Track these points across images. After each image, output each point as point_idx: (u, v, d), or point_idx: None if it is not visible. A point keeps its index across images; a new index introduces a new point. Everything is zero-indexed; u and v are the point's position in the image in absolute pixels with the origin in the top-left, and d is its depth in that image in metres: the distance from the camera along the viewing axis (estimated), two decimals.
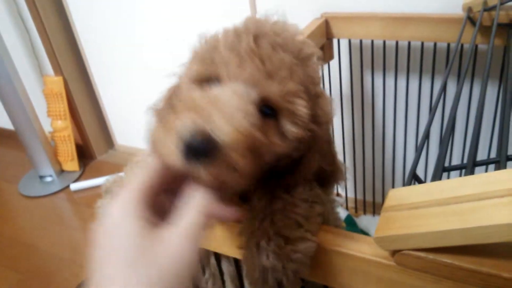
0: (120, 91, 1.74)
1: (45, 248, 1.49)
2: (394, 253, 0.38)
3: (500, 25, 0.82)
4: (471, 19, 0.87)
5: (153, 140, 0.37)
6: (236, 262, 0.52)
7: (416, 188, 0.39)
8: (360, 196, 1.35)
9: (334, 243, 0.41)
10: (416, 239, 0.35)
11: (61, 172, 1.87)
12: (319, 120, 0.44)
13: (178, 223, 0.34)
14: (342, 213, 1.24)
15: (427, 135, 0.48)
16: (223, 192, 0.36)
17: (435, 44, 0.98)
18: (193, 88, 0.42)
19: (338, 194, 1.37)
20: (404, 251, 0.37)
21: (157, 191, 0.37)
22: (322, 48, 1.05)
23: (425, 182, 0.41)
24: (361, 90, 1.15)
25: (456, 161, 1.12)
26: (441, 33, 0.94)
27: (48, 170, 1.82)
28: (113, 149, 2.00)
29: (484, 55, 0.95)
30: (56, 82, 1.77)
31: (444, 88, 0.58)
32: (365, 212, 1.36)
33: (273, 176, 0.45)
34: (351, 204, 1.38)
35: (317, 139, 0.44)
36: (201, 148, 0.34)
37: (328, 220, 0.49)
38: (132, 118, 1.78)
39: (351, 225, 1.23)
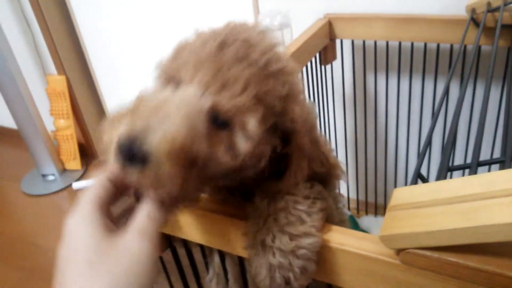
0: (123, 91, 1.74)
1: (47, 247, 1.49)
2: (399, 251, 0.38)
3: (504, 26, 0.83)
4: (474, 20, 0.87)
5: (102, 141, 0.38)
6: (241, 261, 0.53)
7: (421, 187, 0.39)
8: (362, 197, 1.35)
9: (338, 242, 0.42)
10: (421, 237, 0.35)
11: (63, 171, 1.87)
12: (296, 129, 0.43)
13: (131, 223, 0.37)
14: (345, 211, 1.24)
15: (429, 142, 0.49)
16: (165, 198, 0.37)
17: (438, 45, 0.98)
18: (153, 88, 0.42)
19: (340, 194, 1.37)
20: (409, 250, 0.37)
21: (108, 201, 0.39)
22: (325, 48, 1.05)
23: (428, 181, 0.42)
24: (363, 91, 1.15)
25: (458, 161, 1.13)
26: (444, 34, 0.94)
27: (50, 169, 1.83)
28: None
29: (487, 56, 0.95)
30: (59, 81, 1.78)
31: (446, 93, 0.59)
32: (367, 213, 1.36)
33: (271, 177, 0.46)
34: (353, 205, 1.38)
35: (299, 146, 0.44)
36: (131, 154, 0.34)
37: (332, 216, 0.49)
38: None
39: (353, 225, 1.23)
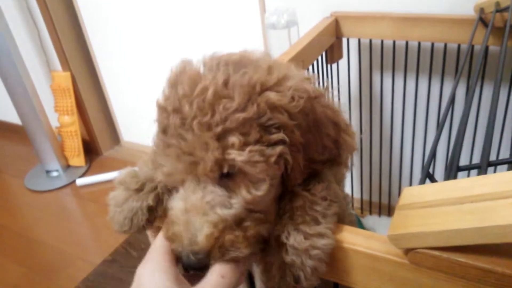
0: (127, 88, 1.74)
1: (50, 243, 1.49)
2: (407, 251, 0.38)
3: None
4: (483, 20, 0.87)
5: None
6: None
7: (430, 186, 0.38)
8: (366, 197, 1.34)
9: (347, 241, 0.41)
10: (430, 237, 0.35)
11: (67, 167, 1.88)
12: (283, 124, 0.41)
13: (203, 282, 0.39)
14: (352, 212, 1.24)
15: (437, 142, 0.48)
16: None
17: (445, 45, 0.98)
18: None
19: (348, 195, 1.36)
20: (418, 250, 0.37)
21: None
22: (331, 47, 1.05)
23: (436, 181, 0.41)
24: (369, 90, 1.14)
25: (464, 161, 1.12)
26: (451, 34, 0.93)
27: (54, 165, 1.83)
28: (119, 145, 2.00)
29: (495, 57, 0.95)
30: (63, 78, 1.78)
31: (453, 96, 0.58)
32: (371, 213, 1.36)
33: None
34: (357, 205, 1.38)
35: (289, 140, 0.42)
36: (196, 266, 0.40)
37: (343, 217, 0.49)
38: (138, 115, 1.79)
39: (358, 225, 1.22)
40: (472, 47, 0.95)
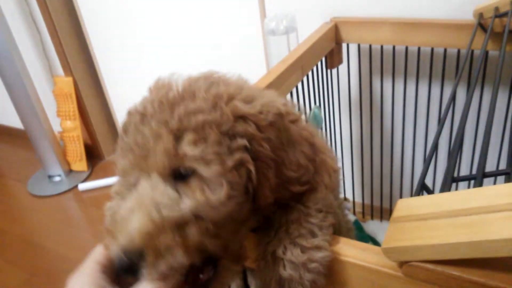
0: (129, 93, 1.75)
1: (52, 247, 1.50)
2: (402, 264, 0.37)
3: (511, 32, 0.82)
4: (482, 25, 0.87)
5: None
6: (244, 273, 0.52)
7: (425, 198, 0.38)
8: (367, 201, 1.34)
9: (342, 253, 0.41)
10: (424, 251, 0.35)
11: (69, 172, 1.88)
12: (253, 136, 0.41)
13: None
14: (350, 218, 1.24)
15: (435, 147, 0.48)
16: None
17: (445, 50, 0.97)
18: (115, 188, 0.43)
19: (345, 199, 1.36)
20: (412, 263, 0.36)
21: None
22: (331, 52, 1.05)
23: (433, 191, 0.41)
24: (369, 95, 1.14)
25: (465, 171, 1.12)
26: (451, 39, 0.93)
27: (56, 170, 1.84)
28: None
29: (494, 61, 0.94)
30: (66, 83, 1.79)
31: (453, 99, 0.58)
32: (372, 217, 1.35)
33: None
34: (358, 209, 1.37)
35: (258, 154, 0.41)
36: (126, 266, 0.36)
37: (340, 226, 0.48)
38: None
39: (358, 230, 1.22)
40: (472, 52, 0.95)
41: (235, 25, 1.29)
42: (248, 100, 0.41)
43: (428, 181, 1.17)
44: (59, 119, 1.85)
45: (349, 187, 1.33)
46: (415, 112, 1.09)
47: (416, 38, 0.97)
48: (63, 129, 1.86)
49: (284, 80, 0.81)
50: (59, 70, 1.81)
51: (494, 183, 1.01)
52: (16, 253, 1.50)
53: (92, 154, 1.96)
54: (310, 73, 0.97)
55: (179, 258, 0.36)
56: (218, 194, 0.38)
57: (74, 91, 1.80)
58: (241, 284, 0.55)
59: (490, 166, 1.06)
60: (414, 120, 1.11)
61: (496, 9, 0.83)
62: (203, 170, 0.38)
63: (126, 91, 1.76)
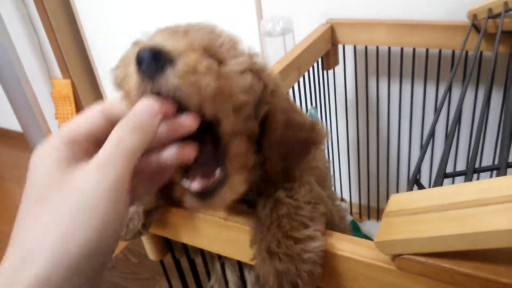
0: None
1: None
2: (394, 257, 0.38)
3: (504, 33, 0.83)
4: (475, 27, 0.88)
5: (115, 77, 0.41)
6: (241, 269, 0.53)
7: (416, 194, 0.39)
8: (364, 202, 1.35)
9: (336, 247, 0.42)
10: (416, 244, 0.36)
11: None
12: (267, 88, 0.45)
13: (97, 155, 0.31)
14: (342, 206, 1.25)
15: (432, 133, 0.49)
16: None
17: (440, 51, 0.98)
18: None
19: (342, 199, 1.37)
20: (404, 256, 0.37)
21: (91, 137, 0.33)
22: (327, 54, 1.06)
23: (428, 188, 0.42)
24: (366, 96, 1.15)
25: (462, 166, 1.13)
26: (446, 40, 0.94)
27: None
28: None
29: (489, 62, 0.96)
30: (64, 85, 1.79)
31: (449, 88, 0.59)
32: (369, 218, 1.36)
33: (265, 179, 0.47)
34: (355, 210, 1.38)
35: (272, 107, 0.45)
36: (156, 52, 0.33)
37: (333, 216, 0.49)
38: None
39: (355, 230, 1.23)
40: (467, 52, 0.96)
41: (232, 26, 1.30)
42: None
43: (425, 178, 1.18)
44: (57, 121, 1.86)
45: (346, 188, 1.34)
46: (410, 112, 1.10)
47: (411, 39, 0.98)
48: None
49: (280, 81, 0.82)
50: (57, 72, 1.81)
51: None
52: None
53: None
54: (306, 74, 0.98)
55: (208, 84, 0.36)
56: (244, 80, 0.41)
57: (72, 93, 1.80)
58: (237, 281, 0.55)
59: (487, 162, 1.08)
60: (410, 120, 1.12)
61: (490, 10, 0.85)
62: (232, 61, 0.41)
63: None
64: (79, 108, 1.84)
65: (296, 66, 0.89)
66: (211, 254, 0.59)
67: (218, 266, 0.58)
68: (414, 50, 1.01)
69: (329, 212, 0.48)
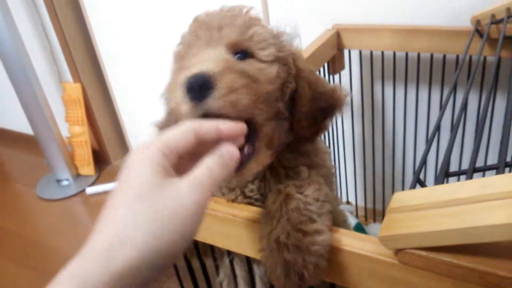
0: (136, 99, 1.78)
1: (62, 249, 1.53)
2: (397, 252, 0.40)
3: (507, 38, 0.85)
4: (479, 32, 0.90)
5: (166, 97, 0.48)
6: (249, 263, 0.55)
7: (418, 191, 0.41)
8: (370, 205, 1.36)
9: (340, 242, 0.44)
10: (417, 238, 0.38)
11: (77, 176, 1.91)
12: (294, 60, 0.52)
13: (190, 174, 0.36)
14: (352, 220, 1.26)
15: (438, 129, 0.51)
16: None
17: (444, 56, 1.00)
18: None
19: (348, 202, 1.39)
20: (406, 250, 0.39)
21: (181, 151, 0.37)
22: (333, 58, 1.08)
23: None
24: (371, 100, 1.17)
25: (465, 165, 1.14)
26: (450, 45, 0.96)
27: (65, 174, 1.87)
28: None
29: (493, 67, 0.97)
30: (74, 89, 1.83)
31: (454, 87, 0.60)
32: (374, 221, 1.37)
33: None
34: (361, 213, 1.39)
35: (299, 73, 0.52)
36: (201, 81, 0.41)
37: (336, 216, 0.51)
38: (147, 126, 1.82)
39: (360, 232, 1.24)
40: (470, 57, 0.98)
41: None
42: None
43: (429, 179, 1.19)
44: (68, 125, 1.89)
45: (352, 191, 1.35)
46: (416, 116, 1.12)
47: (416, 45, 1.00)
48: (71, 134, 1.90)
49: None
50: (68, 76, 1.85)
51: None
52: (24, 254, 1.53)
53: (100, 159, 1.99)
54: None
55: (244, 96, 0.42)
56: (271, 70, 0.47)
57: (82, 97, 1.83)
58: (246, 275, 0.57)
59: (492, 162, 1.09)
60: (415, 124, 1.13)
61: (493, 16, 0.86)
62: (260, 53, 0.48)
63: (133, 97, 1.79)
64: (89, 111, 1.87)
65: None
66: (220, 250, 0.61)
67: (227, 261, 0.60)
68: (418, 55, 1.03)
69: (334, 213, 0.50)
